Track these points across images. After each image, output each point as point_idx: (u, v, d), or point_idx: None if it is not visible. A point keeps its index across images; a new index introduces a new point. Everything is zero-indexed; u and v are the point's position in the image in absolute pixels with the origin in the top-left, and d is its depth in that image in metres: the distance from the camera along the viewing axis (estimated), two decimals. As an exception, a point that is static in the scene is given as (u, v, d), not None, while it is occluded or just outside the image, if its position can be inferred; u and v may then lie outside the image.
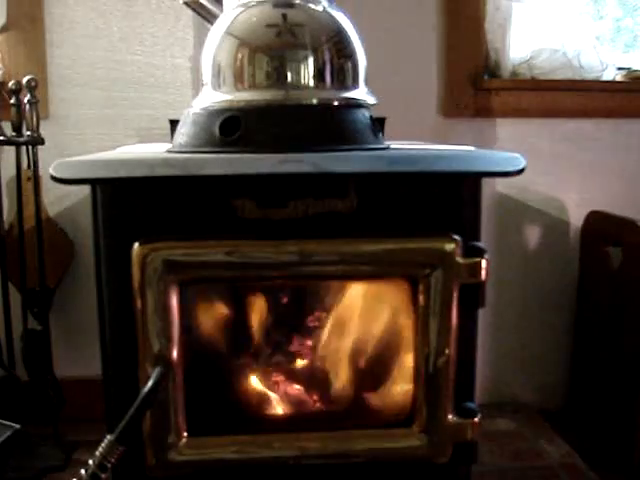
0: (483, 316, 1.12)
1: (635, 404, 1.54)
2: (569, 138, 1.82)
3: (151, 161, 0.97)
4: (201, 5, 1.26)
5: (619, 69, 1.89)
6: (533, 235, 1.86)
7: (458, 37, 1.76)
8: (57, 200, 1.71)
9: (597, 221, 1.77)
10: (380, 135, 1.14)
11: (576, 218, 1.84)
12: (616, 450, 1.59)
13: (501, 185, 1.81)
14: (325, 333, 1.14)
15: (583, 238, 1.82)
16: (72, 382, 1.69)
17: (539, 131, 1.81)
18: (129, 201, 1.01)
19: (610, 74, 1.85)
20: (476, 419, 1.10)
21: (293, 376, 1.15)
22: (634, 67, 1.94)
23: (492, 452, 1.61)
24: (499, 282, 1.78)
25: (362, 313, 1.14)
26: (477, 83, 1.77)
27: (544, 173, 1.81)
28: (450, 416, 1.09)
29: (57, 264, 1.67)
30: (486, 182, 1.09)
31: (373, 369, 1.15)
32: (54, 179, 0.95)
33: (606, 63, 1.83)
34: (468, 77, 1.76)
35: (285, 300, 1.13)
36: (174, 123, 1.23)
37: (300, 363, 1.15)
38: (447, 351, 1.06)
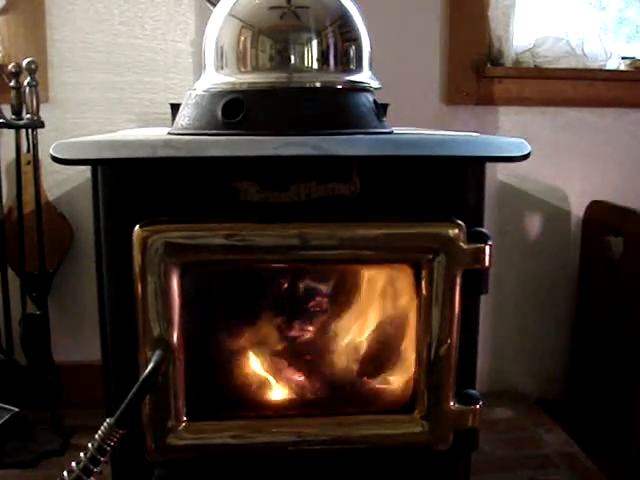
0: (483, 305, 1.11)
1: (634, 394, 1.54)
2: (571, 127, 1.82)
3: (153, 142, 0.96)
4: (204, -13, 1.25)
5: (623, 58, 1.88)
6: (534, 224, 1.86)
7: (461, 24, 1.75)
8: (56, 184, 1.70)
9: (598, 211, 1.77)
10: (384, 119, 1.13)
11: (577, 208, 1.83)
12: (615, 440, 1.59)
13: (502, 174, 1.81)
14: (326, 318, 1.13)
15: (584, 228, 1.82)
16: (71, 367, 1.69)
17: (541, 120, 1.80)
18: (130, 183, 1.00)
19: (614, 63, 1.84)
20: (477, 406, 1.10)
21: (294, 361, 1.14)
22: (638, 56, 1.93)
23: (491, 441, 1.61)
24: (499, 271, 1.77)
25: (364, 298, 1.13)
26: (480, 71, 1.76)
27: (545, 162, 1.80)
28: (451, 403, 1.09)
29: (56, 248, 1.66)
30: (487, 170, 1.08)
31: (374, 354, 1.15)
32: (55, 159, 0.94)
33: (610, 52, 1.82)
34: (471, 65, 1.76)
35: (287, 284, 1.12)
36: (175, 107, 1.22)
37: (301, 348, 1.14)
38: (449, 337, 1.05)
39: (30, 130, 1.54)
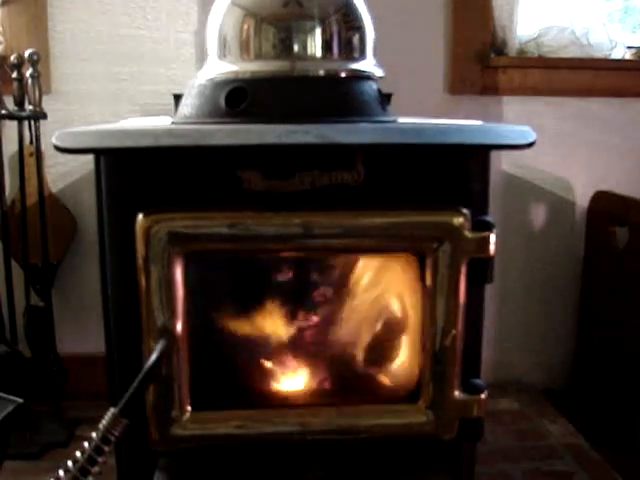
0: (487, 295, 1.10)
1: (638, 385, 1.54)
2: (576, 117, 1.81)
3: (156, 131, 0.95)
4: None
5: (628, 48, 1.87)
6: (539, 214, 1.85)
7: (465, 14, 1.74)
8: (59, 177, 1.70)
9: (603, 201, 1.76)
10: (387, 107, 1.13)
11: (582, 197, 1.83)
12: (619, 430, 1.59)
13: (507, 164, 1.80)
14: (331, 308, 1.13)
15: (589, 218, 1.81)
16: (75, 358, 1.69)
17: (546, 109, 1.79)
18: (133, 172, 1.00)
19: (619, 52, 1.83)
20: (482, 396, 1.09)
21: (298, 351, 1.14)
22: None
23: (495, 432, 1.61)
24: (504, 261, 1.76)
25: (368, 287, 1.12)
26: (484, 60, 1.75)
27: (550, 152, 1.80)
28: (456, 392, 1.08)
29: (60, 240, 1.66)
30: (492, 160, 1.08)
31: (379, 344, 1.14)
32: (57, 149, 0.94)
33: (615, 41, 1.81)
34: (475, 54, 1.75)
35: (291, 273, 1.11)
36: (178, 98, 1.22)
37: (305, 338, 1.14)
38: (454, 326, 1.05)
39: (33, 121, 1.54)
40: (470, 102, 1.76)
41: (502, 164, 1.79)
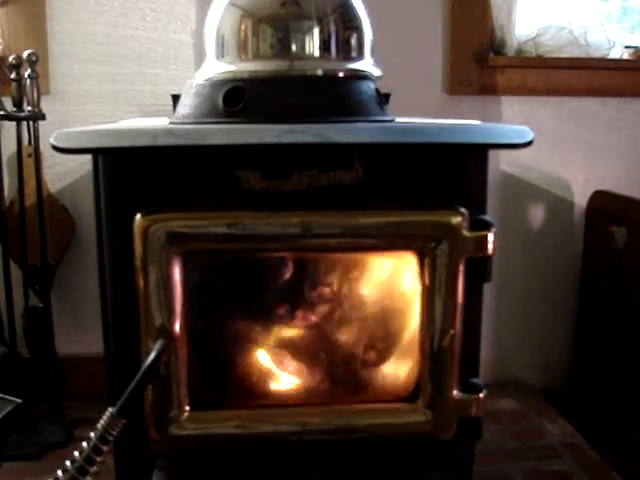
0: (486, 295, 1.11)
1: (638, 384, 1.54)
2: (574, 117, 1.81)
3: (154, 131, 0.95)
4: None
5: (626, 47, 1.88)
6: (537, 214, 1.85)
7: (463, 14, 1.74)
8: (58, 177, 1.70)
9: (602, 200, 1.76)
10: (386, 107, 1.13)
11: (581, 197, 1.83)
12: (618, 430, 1.59)
13: (505, 164, 1.80)
14: (329, 307, 1.13)
15: (587, 218, 1.81)
16: (73, 359, 1.69)
17: (544, 109, 1.80)
18: (131, 172, 1.00)
19: (617, 52, 1.83)
20: (481, 395, 1.09)
21: (296, 350, 1.14)
22: (642, 45, 1.92)
23: (494, 431, 1.61)
24: (502, 262, 1.76)
25: (366, 287, 1.12)
26: (482, 60, 1.75)
27: (549, 152, 1.80)
28: (455, 392, 1.08)
29: (58, 241, 1.66)
30: (490, 160, 1.08)
31: (378, 343, 1.14)
32: (55, 149, 0.94)
33: (613, 41, 1.82)
34: (473, 54, 1.75)
35: (289, 273, 1.11)
36: (176, 98, 1.22)
37: (304, 337, 1.14)
38: (452, 325, 1.05)
39: (31, 122, 1.54)
40: (468, 102, 1.76)
41: (500, 164, 1.79)
